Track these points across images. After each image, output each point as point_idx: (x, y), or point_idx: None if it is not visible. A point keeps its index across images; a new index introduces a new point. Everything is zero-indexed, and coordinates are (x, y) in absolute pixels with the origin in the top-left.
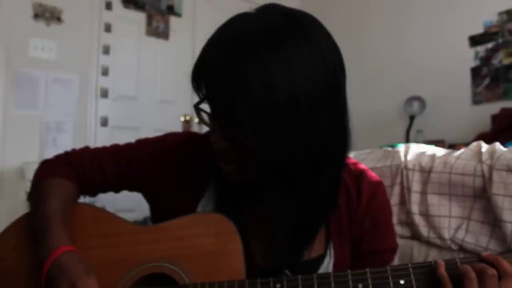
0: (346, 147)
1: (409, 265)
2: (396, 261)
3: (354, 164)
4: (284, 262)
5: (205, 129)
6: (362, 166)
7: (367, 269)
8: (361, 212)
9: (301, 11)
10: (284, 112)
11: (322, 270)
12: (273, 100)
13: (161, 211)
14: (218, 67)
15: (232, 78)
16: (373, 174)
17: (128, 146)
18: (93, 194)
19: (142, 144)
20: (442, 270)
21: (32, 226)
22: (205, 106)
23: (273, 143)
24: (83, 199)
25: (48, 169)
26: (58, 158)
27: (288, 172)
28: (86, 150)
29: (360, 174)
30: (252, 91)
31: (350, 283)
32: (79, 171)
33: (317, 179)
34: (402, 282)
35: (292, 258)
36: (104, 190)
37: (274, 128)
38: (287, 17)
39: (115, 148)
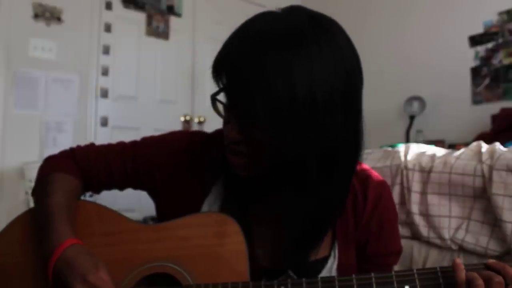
0: (358, 150)
1: (414, 270)
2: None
3: (358, 164)
4: (290, 262)
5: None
6: (366, 166)
7: (372, 274)
8: (367, 215)
9: (324, 14)
10: (301, 109)
11: (325, 271)
12: (291, 96)
13: (166, 209)
14: (240, 61)
15: (253, 73)
16: (377, 175)
17: (134, 143)
18: (97, 190)
19: (148, 142)
20: (463, 274)
21: (36, 221)
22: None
23: (287, 138)
24: (84, 197)
25: (53, 164)
26: (63, 153)
27: (300, 169)
28: (91, 146)
29: (366, 176)
30: (272, 86)
31: (355, 287)
32: (84, 167)
33: (328, 178)
34: (407, 287)
35: (298, 258)
36: (109, 187)
37: (289, 124)
38: (311, 19)
39: (121, 145)
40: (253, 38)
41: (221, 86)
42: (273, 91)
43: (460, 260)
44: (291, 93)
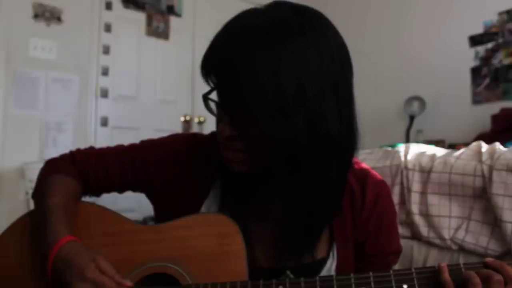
0: (353, 142)
1: (413, 269)
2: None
3: (357, 163)
4: (288, 261)
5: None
6: (365, 165)
7: (370, 273)
8: (365, 214)
9: (309, 7)
10: (290, 102)
11: (325, 271)
12: (279, 90)
13: (165, 212)
14: (228, 57)
15: (242, 68)
16: (376, 174)
17: (133, 146)
18: (97, 194)
19: (147, 145)
20: (446, 275)
21: (35, 222)
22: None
23: (278, 130)
24: (85, 199)
25: (53, 167)
26: (63, 157)
27: (294, 161)
28: (91, 150)
29: (365, 176)
30: (260, 81)
31: (353, 286)
32: (83, 171)
33: (323, 172)
34: (405, 286)
35: (296, 256)
36: (108, 190)
37: (280, 117)
38: (295, 11)
39: (120, 148)
40: (239, 35)
41: (211, 85)
42: (261, 86)
43: (444, 264)
44: (279, 87)
